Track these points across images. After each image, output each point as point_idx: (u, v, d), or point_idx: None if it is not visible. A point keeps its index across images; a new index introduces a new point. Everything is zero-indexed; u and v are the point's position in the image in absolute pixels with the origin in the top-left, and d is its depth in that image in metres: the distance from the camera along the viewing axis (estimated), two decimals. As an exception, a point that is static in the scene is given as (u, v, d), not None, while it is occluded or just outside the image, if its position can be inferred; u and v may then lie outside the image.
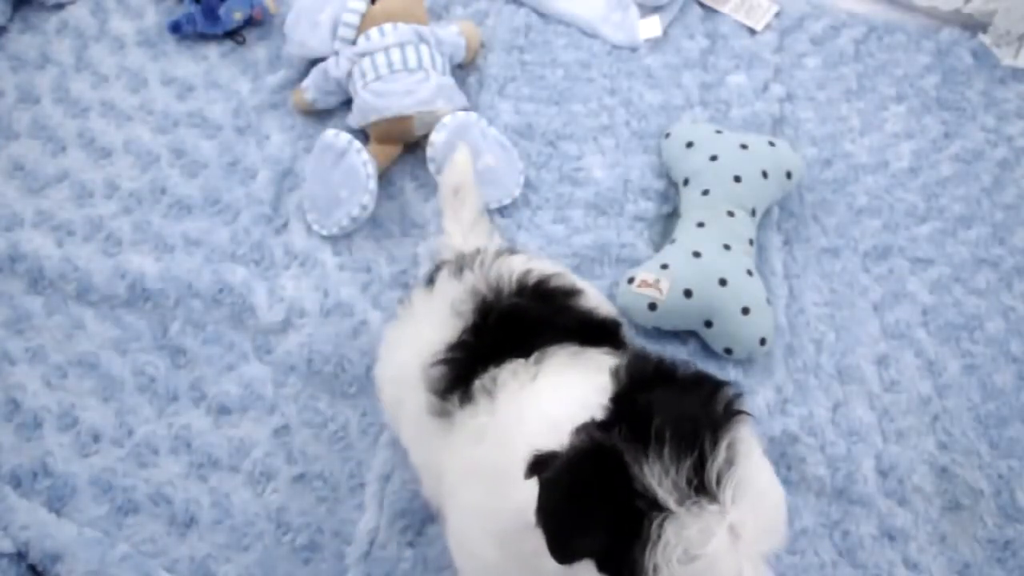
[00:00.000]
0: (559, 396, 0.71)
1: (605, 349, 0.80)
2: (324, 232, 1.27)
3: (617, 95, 1.44)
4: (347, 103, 1.37)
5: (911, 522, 1.10)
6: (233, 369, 1.16)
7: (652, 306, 1.17)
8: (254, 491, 1.08)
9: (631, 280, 1.19)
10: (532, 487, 0.62)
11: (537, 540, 0.62)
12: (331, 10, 1.35)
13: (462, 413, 0.78)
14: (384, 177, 1.31)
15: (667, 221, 1.32)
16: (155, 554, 1.04)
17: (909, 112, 1.48)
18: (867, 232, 1.34)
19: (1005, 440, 1.17)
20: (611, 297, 1.20)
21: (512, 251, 0.95)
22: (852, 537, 1.09)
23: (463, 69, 1.44)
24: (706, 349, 1.21)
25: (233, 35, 1.47)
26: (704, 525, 0.57)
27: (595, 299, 0.91)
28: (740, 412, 0.63)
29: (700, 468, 0.58)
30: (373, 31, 1.33)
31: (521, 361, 0.77)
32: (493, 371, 0.77)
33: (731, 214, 1.23)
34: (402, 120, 1.29)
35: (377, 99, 1.29)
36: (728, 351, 1.18)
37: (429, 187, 1.31)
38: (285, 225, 1.29)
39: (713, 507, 0.58)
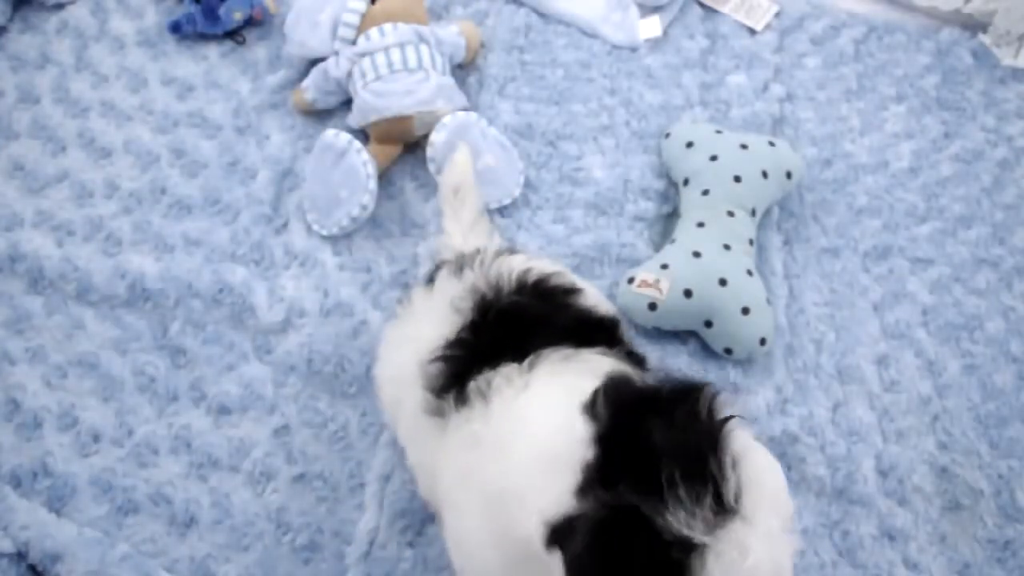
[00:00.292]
0: (548, 415, 0.71)
1: (599, 349, 0.79)
2: (324, 232, 1.27)
3: (617, 95, 1.44)
4: (347, 103, 1.37)
5: (911, 522, 1.10)
6: (233, 369, 1.16)
7: (652, 306, 1.17)
8: (254, 491, 1.08)
9: (631, 280, 1.19)
10: (537, 524, 0.63)
11: (545, 569, 0.63)
12: (331, 10, 1.35)
13: (457, 415, 0.78)
14: (384, 177, 1.31)
15: (667, 221, 1.32)
16: (155, 554, 1.04)
17: (909, 112, 1.48)
18: (867, 232, 1.34)
19: (1005, 440, 1.17)
20: (611, 297, 1.20)
21: (512, 251, 0.95)
22: (852, 537, 1.09)
23: (463, 69, 1.44)
24: (706, 349, 1.21)
25: (233, 35, 1.47)
26: (738, 541, 0.58)
27: (594, 298, 0.91)
28: (730, 418, 0.63)
29: (718, 495, 0.59)
30: (373, 31, 1.33)
31: (515, 366, 0.76)
32: (488, 373, 0.77)
33: (731, 214, 1.23)
34: (402, 120, 1.29)
35: (377, 99, 1.29)
36: (728, 351, 1.18)
37: (429, 187, 1.31)
38: (285, 225, 1.29)
39: (738, 522, 0.58)
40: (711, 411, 0.63)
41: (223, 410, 1.13)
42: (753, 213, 1.25)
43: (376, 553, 1.03)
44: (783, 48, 1.53)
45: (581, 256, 1.26)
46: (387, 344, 0.97)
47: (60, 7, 1.50)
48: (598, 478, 0.61)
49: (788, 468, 1.12)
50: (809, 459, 1.12)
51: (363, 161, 1.24)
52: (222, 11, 1.43)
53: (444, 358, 0.82)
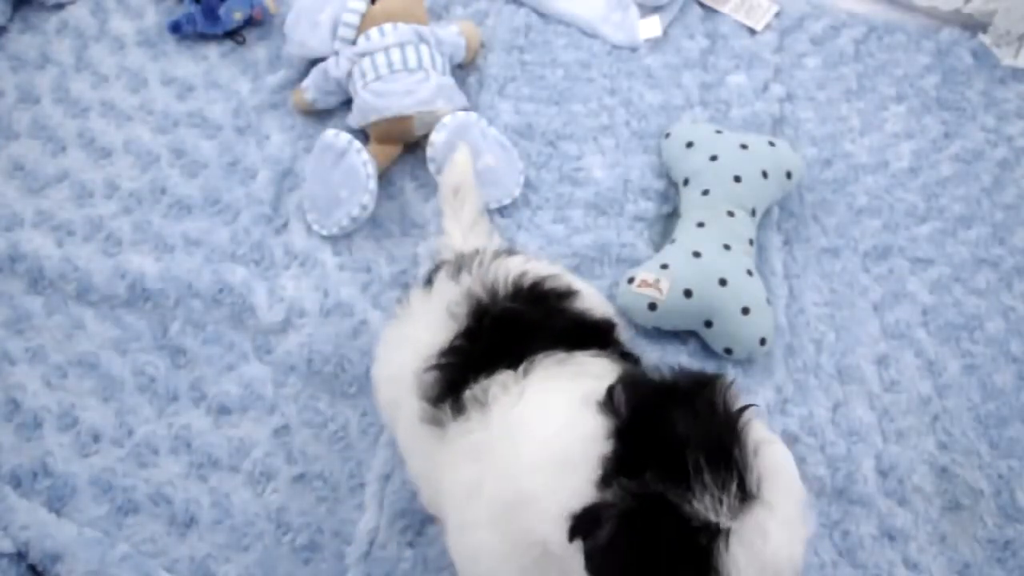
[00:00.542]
0: (549, 417, 0.71)
1: (592, 352, 0.80)
2: (324, 232, 1.27)
3: (617, 95, 1.44)
4: (347, 103, 1.37)
5: (911, 522, 1.10)
6: (233, 369, 1.16)
7: (652, 306, 1.17)
8: (254, 491, 1.08)
9: (631, 280, 1.19)
10: (555, 521, 0.63)
11: (561, 570, 0.64)
12: (331, 10, 1.35)
13: (455, 425, 0.77)
14: (384, 177, 1.31)
15: (667, 221, 1.32)
16: (155, 554, 1.04)
17: (909, 112, 1.48)
18: (867, 232, 1.34)
19: (1005, 440, 1.17)
20: (611, 297, 1.20)
21: (511, 252, 0.94)
22: (852, 537, 1.09)
23: (463, 69, 1.44)
24: (706, 349, 1.21)
25: (233, 35, 1.47)
26: (759, 526, 0.60)
27: (591, 300, 0.90)
28: (746, 408, 0.65)
29: (742, 481, 0.61)
30: (373, 31, 1.33)
31: (511, 373, 0.76)
32: (484, 381, 0.77)
33: (731, 214, 1.23)
34: (402, 120, 1.29)
35: (377, 99, 1.29)
36: (728, 351, 1.18)
37: (429, 187, 1.31)
38: (285, 225, 1.29)
39: (759, 508, 0.60)
40: (727, 401, 0.65)
41: (223, 410, 1.13)
42: (753, 213, 1.25)
43: (376, 553, 1.03)
44: (783, 48, 1.53)
45: (581, 256, 1.26)
46: (385, 344, 0.97)
47: (60, 7, 1.50)
48: (621, 469, 0.63)
49: (788, 468, 1.12)
50: (809, 459, 1.12)
51: (363, 161, 1.24)
52: (222, 11, 1.43)
53: (439, 366, 0.82)
